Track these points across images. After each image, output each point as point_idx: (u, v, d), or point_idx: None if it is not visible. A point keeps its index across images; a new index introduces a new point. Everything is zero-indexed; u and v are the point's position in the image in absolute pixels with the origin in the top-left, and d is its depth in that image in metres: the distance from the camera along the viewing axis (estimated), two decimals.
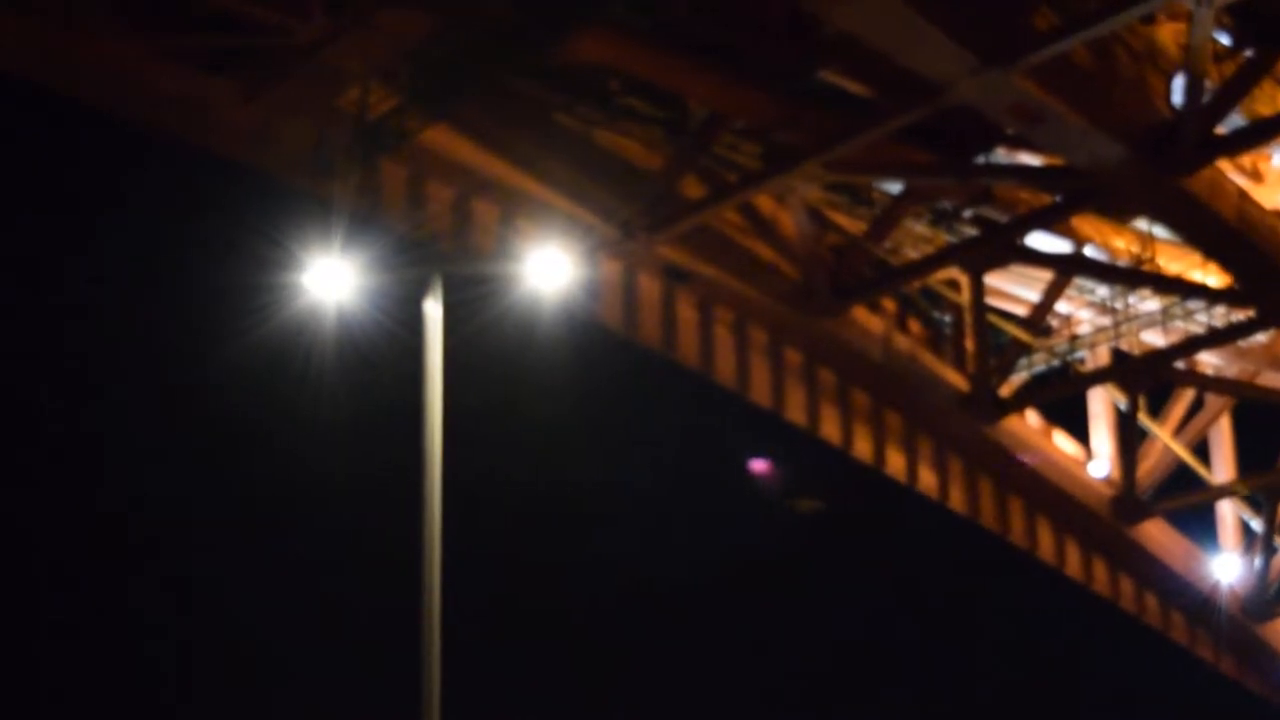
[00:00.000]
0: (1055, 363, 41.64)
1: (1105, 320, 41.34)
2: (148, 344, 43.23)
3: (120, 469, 45.17)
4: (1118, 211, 37.46)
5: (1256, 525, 44.61)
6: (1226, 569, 44.98)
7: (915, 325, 40.65)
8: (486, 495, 39.75)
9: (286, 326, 27.86)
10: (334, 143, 32.47)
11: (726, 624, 51.58)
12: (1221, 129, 32.37)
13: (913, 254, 38.56)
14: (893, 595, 53.38)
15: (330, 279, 26.77)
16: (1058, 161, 33.79)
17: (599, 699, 47.78)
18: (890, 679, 53.60)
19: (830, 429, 39.24)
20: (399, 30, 30.78)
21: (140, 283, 42.50)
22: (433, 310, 26.61)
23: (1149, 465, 43.22)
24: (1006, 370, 40.25)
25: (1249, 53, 32.02)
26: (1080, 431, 43.06)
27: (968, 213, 37.90)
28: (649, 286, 36.60)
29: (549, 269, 27.81)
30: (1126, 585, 44.75)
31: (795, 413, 38.68)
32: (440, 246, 33.75)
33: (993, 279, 39.61)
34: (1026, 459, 40.72)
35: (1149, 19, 31.94)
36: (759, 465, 48.80)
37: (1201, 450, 44.16)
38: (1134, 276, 39.07)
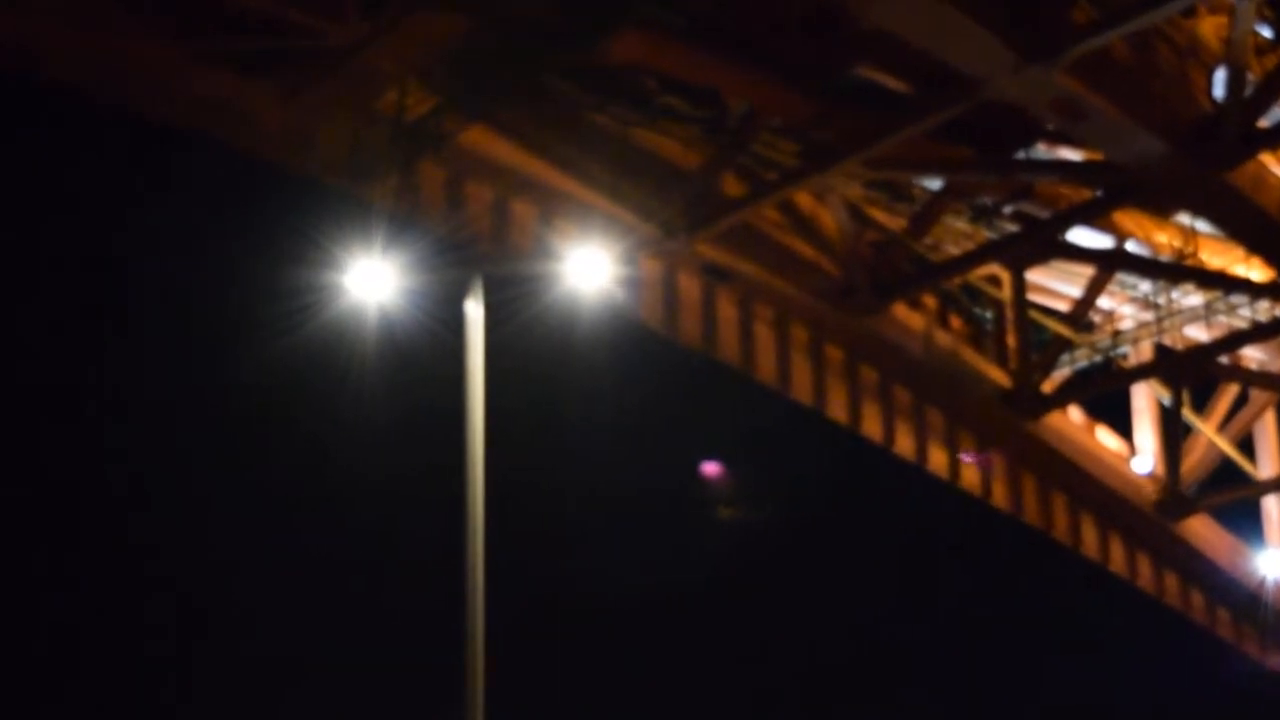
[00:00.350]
0: (1098, 358, 41.50)
1: (1148, 315, 41.28)
2: (189, 344, 43.67)
3: (160, 468, 45.52)
4: (1160, 206, 37.33)
5: None
6: (1273, 564, 44.80)
7: (956, 322, 40.51)
8: (527, 495, 39.93)
9: (328, 327, 28.13)
10: (372, 144, 32.60)
11: (762, 622, 51.69)
12: (1264, 122, 32.19)
13: (953, 250, 38.42)
14: (933, 593, 53.44)
15: (371, 280, 27.10)
16: (1098, 156, 33.70)
17: (637, 695, 47.92)
18: (926, 679, 53.63)
19: (872, 426, 39.24)
20: (435, 32, 30.88)
21: (182, 283, 42.83)
22: (473, 310, 26.94)
23: (1193, 461, 43.11)
24: (1049, 366, 40.17)
25: None
26: (1124, 427, 42.93)
27: (1008, 209, 37.81)
28: (689, 285, 36.66)
29: (589, 269, 28.13)
30: (1171, 581, 44.68)
31: (837, 410, 38.70)
32: (480, 247, 33.81)
33: (1034, 275, 39.67)
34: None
35: (1190, 12, 32.04)
36: (709, 469, 48.53)
37: (1246, 445, 44.04)
38: (1177, 271, 38.97)
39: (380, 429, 36.49)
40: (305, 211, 31.04)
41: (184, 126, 32.29)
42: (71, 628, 45.38)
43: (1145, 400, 43.00)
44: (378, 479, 42.97)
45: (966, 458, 40.37)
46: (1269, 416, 44.35)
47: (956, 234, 38.42)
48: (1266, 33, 32.48)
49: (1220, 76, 31.63)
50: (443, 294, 27.53)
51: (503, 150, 34.09)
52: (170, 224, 41.75)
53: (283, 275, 28.30)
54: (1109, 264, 39.28)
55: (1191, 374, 40.62)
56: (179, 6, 30.46)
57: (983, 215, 37.85)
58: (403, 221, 32.66)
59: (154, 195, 41.48)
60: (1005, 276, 38.93)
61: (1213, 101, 31.99)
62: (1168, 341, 41.73)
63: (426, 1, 30.35)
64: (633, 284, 35.18)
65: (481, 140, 33.64)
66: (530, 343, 30.20)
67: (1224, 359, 41.56)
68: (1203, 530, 43.94)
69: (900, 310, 38.36)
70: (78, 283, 44.30)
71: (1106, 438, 42.73)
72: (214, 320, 41.75)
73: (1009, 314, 39.30)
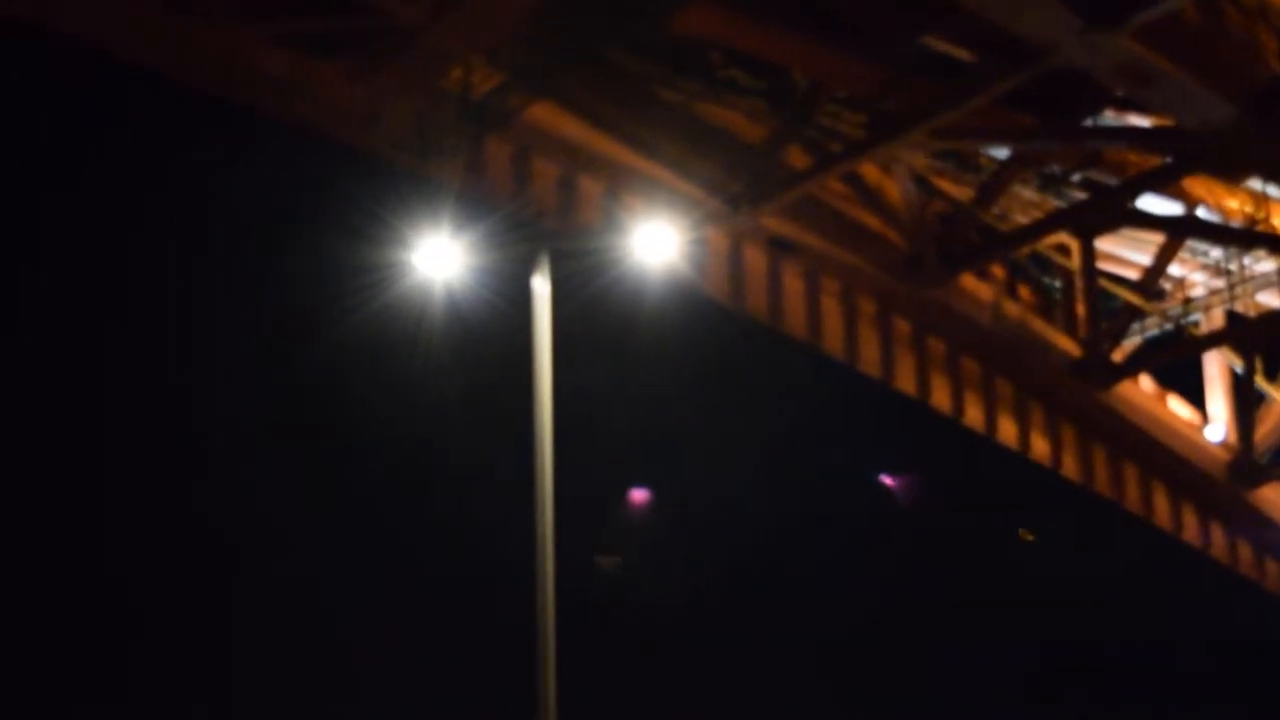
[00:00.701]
0: (1168, 326, 41.47)
1: (1219, 282, 41.16)
2: (261, 320, 44.34)
3: (233, 446, 46.21)
4: (1230, 171, 37.14)
5: None
6: None
7: (1025, 291, 40.51)
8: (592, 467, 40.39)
9: (396, 304, 28.46)
10: (440, 122, 32.96)
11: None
12: None
13: (1021, 219, 38.50)
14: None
15: (439, 257, 27.38)
16: (1167, 122, 33.65)
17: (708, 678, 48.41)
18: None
19: (941, 397, 39.33)
20: (502, 10, 30.99)
21: (251, 261, 43.55)
22: (540, 286, 27.19)
23: (1267, 428, 42.82)
24: (1119, 335, 40.14)
25: None
26: (1196, 396, 42.82)
27: (1076, 176, 37.78)
28: (755, 258, 36.82)
29: (655, 243, 28.36)
30: (1245, 551, 44.60)
31: (905, 382, 38.83)
32: (546, 223, 34.16)
33: (1103, 243, 39.52)
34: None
35: None
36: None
37: None
38: (1248, 237, 38.90)
39: (447, 403, 37.01)
40: (373, 190, 31.55)
41: (256, 106, 32.70)
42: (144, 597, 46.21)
43: (1217, 368, 42.84)
44: (446, 452, 43.58)
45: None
46: None
47: (1024, 203, 38.44)
48: None
49: None
50: (510, 270, 27.80)
51: (569, 126, 34.31)
52: (243, 203, 42.50)
53: (352, 253, 28.76)
54: (1179, 231, 39.16)
55: (1264, 341, 40.71)
56: None
57: (1051, 184, 37.84)
58: (470, 198, 33.12)
59: (228, 175, 42.21)
60: (1074, 245, 38.77)
61: None
62: (1239, 308, 41.62)
63: None
64: (699, 258, 35.56)
65: (547, 116, 33.87)
66: (598, 317, 30.53)
67: None
68: (1277, 499, 43.71)
69: (968, 281, 38.35)
70: (154, 258, 45.10)
71: (1178, 406, 42.62)
72: (285, 297, 42.46)
73: (1078, 283, 39.17)
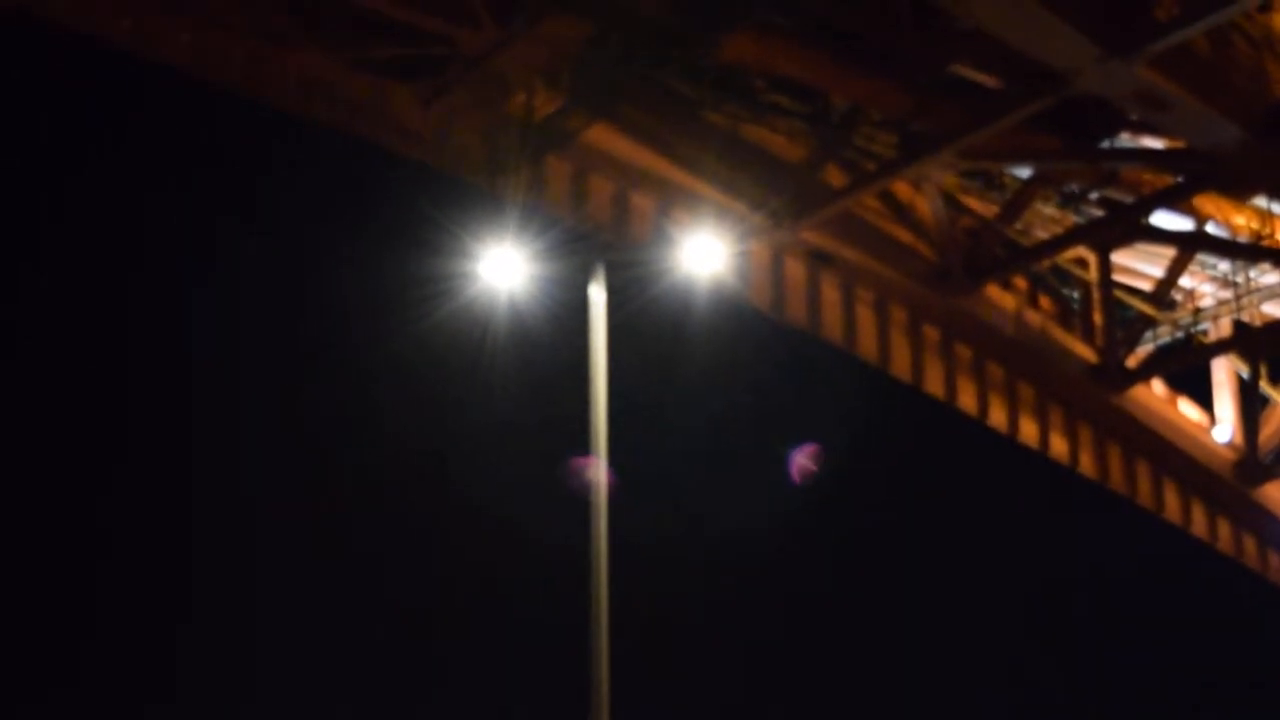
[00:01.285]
0: (1179, 334, 42.33)
1: (1227, 294, 42.12)
2: (331, 328, 45.96)
3: (306, 445, 47.65)
4: (1238, 190, 38.06)
5: None
6: None
7: (1046, 302, 41.51)
8: (649, 466, 41.80)
9: (462, 311, 30.17)
10: (504, 143, 34.02)
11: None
12: None
13: (1042, 234, 39.42)
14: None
15: (502, 267, 29.02)
16: (1179, 144, 34.35)
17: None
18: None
19: (967, 400, 40.32)
20: (562, 37, 32.17)
21: (326, 271, 45.15)
22: (596, 295, 28.62)
23: (1270, 430, 44.04)
24: (1133, 342, 41.07)
25: None
26: (1204, 399, 43.83)
27: (1094, 194, 38.72)
28: (795, 270, 37.86)
29: (703, 255, 29.82)
30: (1250, 544, 45.62)
31: (934, 385, 39.83)
32: (602, 236, 35.18)
33: (1119, 256, 40.60)
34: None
35: (1266, 7, 32.51)
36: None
37: None
38: (1254, 251, 39.85)
39: (509, 404, 38.46)
40: (443, 205, 33.30)
41: (336, 127, 33.84)
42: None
43: (1224, 373, 43.90)
44: (505, 453, 44.97)
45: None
46: None
47: (1046, 219, 39.45)
48: None
49: None
50: (568, 280, 29.34)
51: (623, 146, 35.42)
52: (325, 219, 44.23)
53: (423, 264, 30.25)
54: (1190, 245, 40.05)
55: (1268, 348, 41.65)
56: (334, 18, 32.40)
57: (1070, 201, 38.75)
58: (531, 213, 34.30)
59: (314, 194, 43.92)
60: (1092, 258, 39.78)
61: None
62: (1246, 318, 42.57)
63: (554, 8, 31.65)
64: (743, 269, 36.61)
65: (603, 137, 34.95)
66: (649, 324, 32.19)
67: None
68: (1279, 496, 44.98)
69: (993, 291, 39.30)
70: (237, 268, 46.62)
71: (1188, 409, 43.64)
72: (361, 304, 44.11)
73: (1095, 294, 40.16)
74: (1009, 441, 41.67)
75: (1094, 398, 41.49)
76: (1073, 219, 39.27)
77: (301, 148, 39.62)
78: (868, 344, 39.01)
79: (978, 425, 41.21)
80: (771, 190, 36.54)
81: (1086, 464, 42.48)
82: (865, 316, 39.07)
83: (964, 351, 40.47)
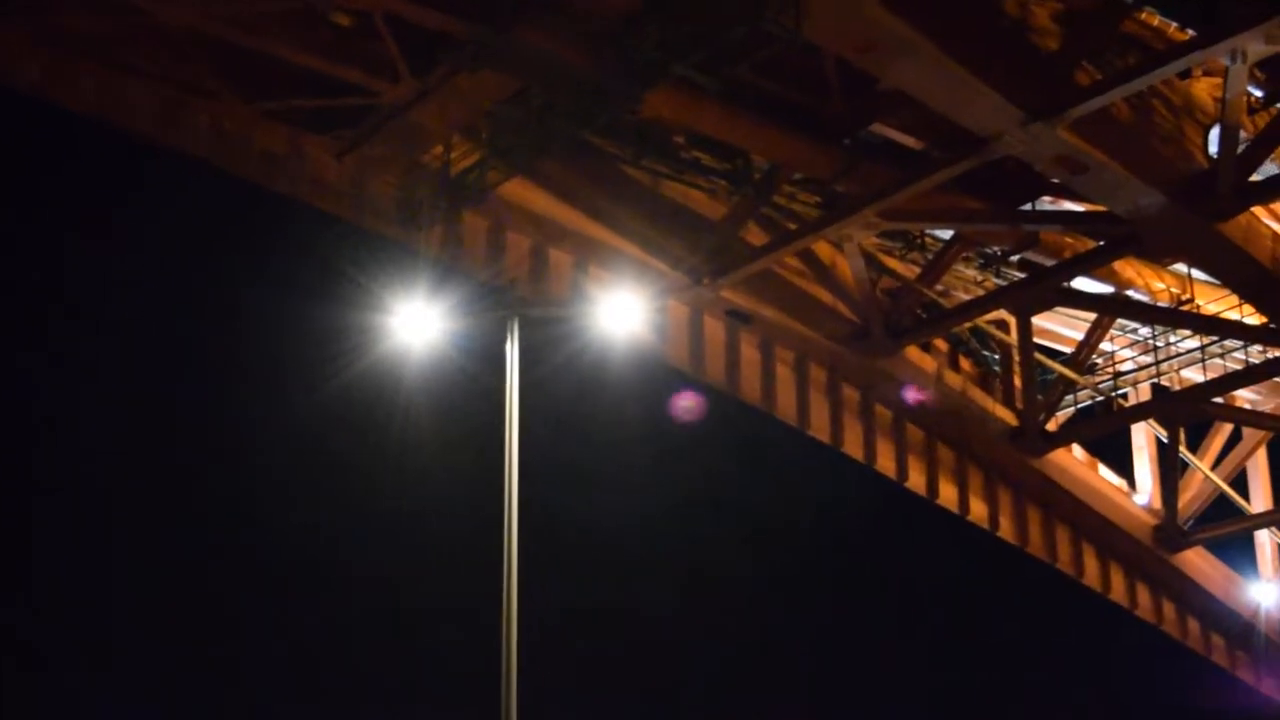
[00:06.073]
0: (1099, 398, 42.40)
1: (1147, 358, 42.39)
2: (243, 381, 45.21)
3: (213, 502, 46.94)
4: (1158, 255, 38.21)
5: None
6: (1265, 595, 46.09)
7: (966, 363, 41.66)
8: (560, 520, 41.33)
9: (376, 366, 29.55)
10: (419, 196, 33.62)
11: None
12: (1256, 177, 32.98)
13: (963, 296, 39.58)
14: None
15: (417, 322, 28.30)
16: (1100, 208, 34.36)
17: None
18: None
19: (885, 462, 40.33)
20: (480, 92, 31.79)
21: (244, 324, 44.44)
22: (511, 352, 27.87)
23: (1189, 496, 44.30)
24: (1053, 406, 41.10)
25: None
26: (1124, 464, 44.05)
27: (1015, 257, 38.83)
28: (714, 328, 37.82)
29: (620, 312, 29.22)
30: (1169, 610, 45.73)
31: (852, 447, 39.82)
32: (518, 292, 34.75)
33: (1039, 319, 40.60)
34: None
35: (1185, 75, 32.70)
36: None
37: (1240, 482, 45.13)
38: (1174, 316, 40.06)
39: (422, 457, 37.90)
40: (355, 258, 32.80)
41: (248, 178, 33.43)
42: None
43: (1144, 438, 44.21)
44: (421, 504, 44.34)
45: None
46: (1261, 454, 45.51)
47: (966, 281, 39.63)
48: (1257, 93, 33.28)
49: (1215, 134, 32.26)
50: (484, 336, 28.67)
51: (541, 201, 35.27)
52: (234, 270, 43.54)
53: (335, 318, 29.81)
54: (1110, 309, 40.17)
55: (1187, 413, 41.39)
56: (250, 68, 31.98)
57: (991, 263, 38.92)
58: (446, 268, 34.27)
59: (221, 243, 43.26)
60: (1012, 321, 39.75)
61: (1208, 157, 32.65)
62: (1165, 383, 42.88)
63: (472, 63, 31.09)
64: (662, 327, 36.66)
65: (521, 191, 34.73)
66: (565, 382, 31.69)
67: (1218, 399, 42.41)
68: (1198, 562, 45.06)
69: (913, 352, 39.32)
70: (145, 317, 45.83)
71: (1107, 474, 43.81)
72: (272, 358, 43.42)
73: (1015, 356, 40.15)
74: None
75: (1014, 461, 41.56)
76: (993, 281, 39.41)
77: (206, 193, 38.73)
78: (786, 404, 38.97)
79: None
80: (691, 248, 36.54)
81: (1006, 528, 42.57)
82: (784, 376, 39.02)
83: (883, 413, 40.52)
